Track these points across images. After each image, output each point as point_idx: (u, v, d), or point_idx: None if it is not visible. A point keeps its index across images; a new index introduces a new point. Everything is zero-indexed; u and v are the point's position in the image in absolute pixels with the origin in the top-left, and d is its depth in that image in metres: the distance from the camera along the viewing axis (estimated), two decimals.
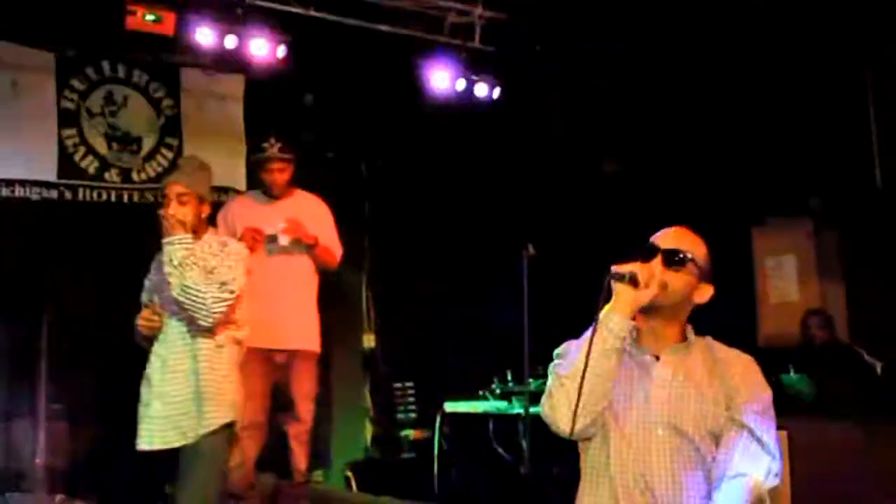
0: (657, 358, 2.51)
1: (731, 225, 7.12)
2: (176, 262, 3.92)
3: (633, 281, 2.39)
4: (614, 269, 2.41)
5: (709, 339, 2.60)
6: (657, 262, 2.47)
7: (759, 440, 2.43)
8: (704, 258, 2.55)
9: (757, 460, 2.41)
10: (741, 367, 2.53)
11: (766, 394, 2.50)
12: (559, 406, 2.39)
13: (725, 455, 2.42)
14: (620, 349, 2.39)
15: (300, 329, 5.38)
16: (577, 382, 2.34)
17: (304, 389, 5.30)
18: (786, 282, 7.03)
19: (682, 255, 2.50)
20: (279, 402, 5.34)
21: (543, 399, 2.46)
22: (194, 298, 3.89)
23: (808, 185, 6.94)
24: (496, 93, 7.18)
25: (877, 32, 6.13)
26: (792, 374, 5.28)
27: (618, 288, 2.40)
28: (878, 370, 5.76)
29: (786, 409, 4.82)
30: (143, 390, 4.08)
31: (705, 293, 2.55)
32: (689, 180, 7.12)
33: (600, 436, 2.47)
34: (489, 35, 6.95)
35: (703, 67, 6.66)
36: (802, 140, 6.66)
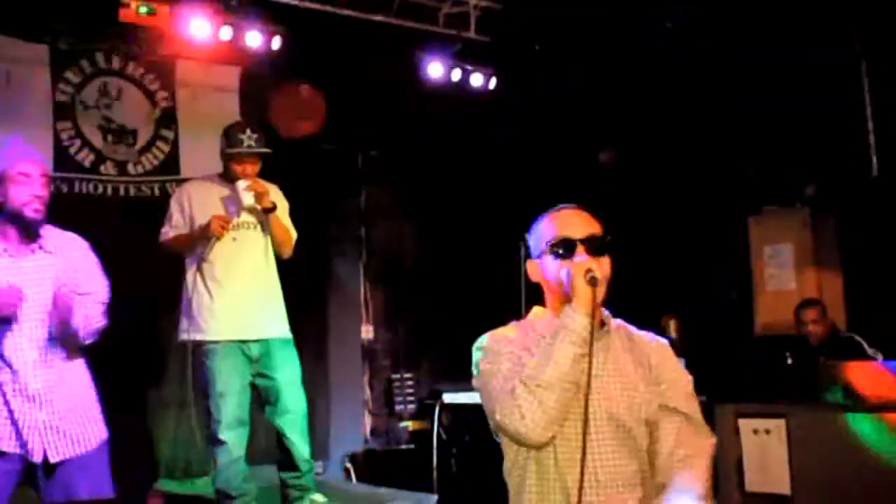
0: None
1: (728, 214, 7.13)
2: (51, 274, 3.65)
3: (593, 281, 2.33)
4: (582, 270, 2.33)
5: (621, 321, 2.56)
6: (583, 252, 2.40)
7: (696, 423, 2.46)
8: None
9: (700, 444, 2.45)
10: (659, 353, 2.52)
11: (687, 377, 2.52)
12: (535, 417, 2.29)
13: (668, 443, 2.43)
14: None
15: (272, 316, 5.25)
16: (551, 392, 2.27)
17: (288, 377, 5.18)
18: (783, 270, 7.03)
19: (603, 239, 2.45)
20: (263, 397, 5.23)
21: (506, 409, 2.33)
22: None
23: (805, 173, 6.95)
24: (492, 83, 7.18)
25: (873, 21, 6.12)
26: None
27: (584, 290, 2.32)
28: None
29: (783, 397, 4.86)
30: (14, 395, 3.62)
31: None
32: (686, 169, 7.12)
33: None
34: (484, 25, 6.94)
35: (698, 57, 6.65)
36: (798, 128, 6.66)
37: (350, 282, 7.81)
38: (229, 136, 5.16)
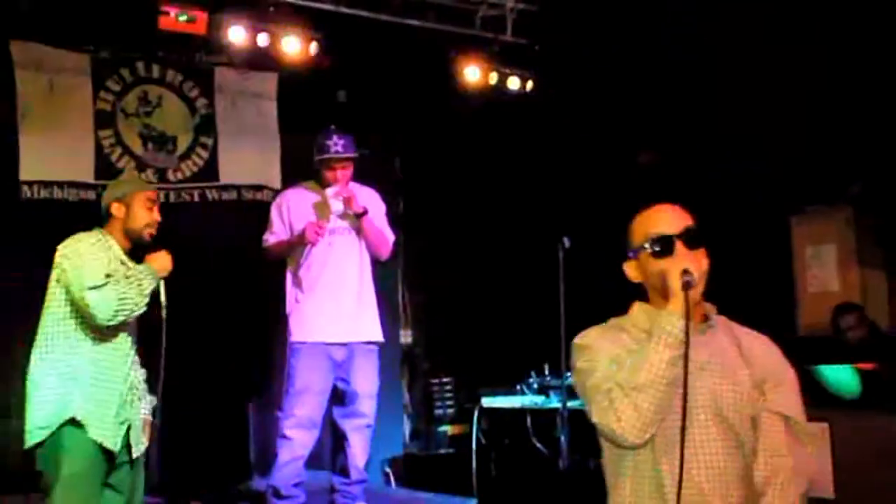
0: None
1: (769, 214, 7.05)
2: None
3: (687, 285, 2.31)
4: (683, 276, 2.31)
5: (724, 317, 2.53)
6: (682, 248, 2.39)
7: (798, 428, 2.40)
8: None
9: (800, 448, 2.39)
10: (763, 348, 2.49)
11: (791, 373, 2.48)
12: (631, 420, 2.28)
13: (768, 444, 2.38)
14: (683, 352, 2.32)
15: (359, 320, 5.32)
16: (645, 394, 2.27)
17: (365, 388, 5.26)
18: (825, 271, 6.95)
19: (697, 231, 2.43)
20: (336, 398, 5.30)
21: (602, 410, 2.33)
22: None
23: (848, 172, 6.85)
24: (529, 86, 7.15)
25: None
26: (832, 367, 5.15)
27: (678, 291, 2.31)
28: None
29: (827, 401, 4.79)
30: (121, 390, 3.84)
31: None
32: (726, 169, 7.05)
33: None
34: (521, 27, 6.93)
35: (737, 57, 6.59)
36: (841, 126, 6.57)
37: (388, 286, 7.82)
38: (318, 143, 5.27)
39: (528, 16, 6.92)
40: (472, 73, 6.98)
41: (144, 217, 3.94)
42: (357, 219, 5.20)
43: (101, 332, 3.77)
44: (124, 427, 3.80)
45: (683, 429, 2.27)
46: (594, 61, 7.03)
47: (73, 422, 3.65)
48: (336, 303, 5.21)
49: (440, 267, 7.85)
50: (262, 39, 6.33)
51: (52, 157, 6.28)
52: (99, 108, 6.48)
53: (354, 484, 5.24)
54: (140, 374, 3.99)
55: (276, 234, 5.34)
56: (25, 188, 6.12)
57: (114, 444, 3.74)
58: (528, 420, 6.25)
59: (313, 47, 6.48)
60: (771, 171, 6.90)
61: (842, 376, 4.83)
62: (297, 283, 5.27)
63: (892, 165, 6.52)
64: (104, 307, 3.67)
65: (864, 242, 6.82)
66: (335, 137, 5.22)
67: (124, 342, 3.87)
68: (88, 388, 3.71)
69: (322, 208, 5.24)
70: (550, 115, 7.42)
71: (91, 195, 6.37)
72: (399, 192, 7.88)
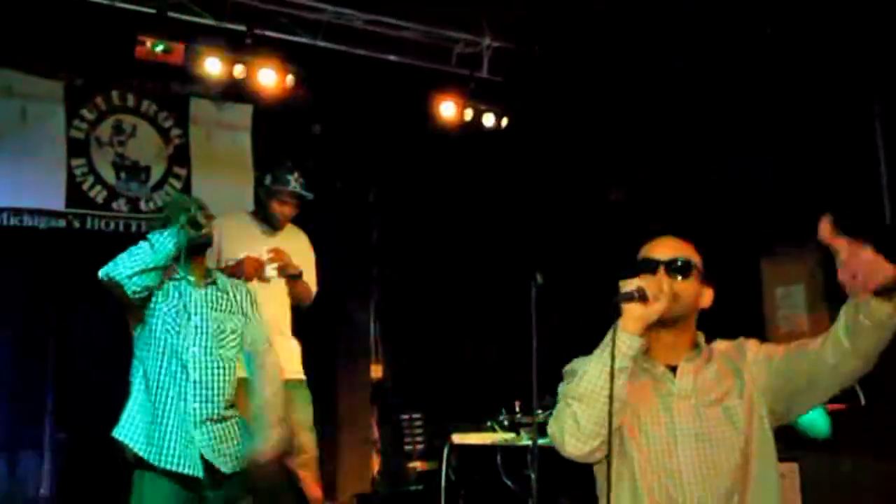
0: (673, 369, 2.48)
1: (740, 254, 7.09)
2: None
3: (641, 297, 2.35)
4: (622, 289, 2.37)
5: (724, 343, 2.61)
6: (662, 273, 2.46)
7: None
8: (701, 261, 2.58)
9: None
10: (741, 351, 2.56)
11: (754, 342, 2.61)
12: (566, 429, 2.33)
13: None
14: (629, 368, 2.35)
15: (286, 356, 5.25)
16: (584, 404, 2.30)
17: (299, 419, 5.19)
18: (795, 312, 6.98)
19: (686, 263, 2.50)
20: None
21: (551, 420, 2.41)
22: None
23: (818, 215, 6.90)
24: (504, 122, 7.19)
25: (885, 63, 6.12)
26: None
27: (627, 306, 2.36)
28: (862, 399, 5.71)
29: (798, 443, 4.80)
30: (177, 404, 3.68)
31: (708, 296, 2.57)
32: (698, 208, 7.09)
33: (619, 455, 2.40)
34: (497, 65, 6.97)
35: (711, 97, 6.66)
36: (811, 169, 6.64)
37: (360, 320, 7.79)
38: (276, 173, 5.20)
39: (503, 53, 6.97)
40: (448, 109, 7.01)
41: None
42: (294, 280, 5.17)
43: (156, 345, 3.68)
44: (197, 443, 3.59)
45: (609, 452, 2.30)
46: (568, 98, 7.08)
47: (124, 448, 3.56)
48: None
49: (413, 301, 7.83)
50: (239, 71, 6.33)
51: (23, 184, 6.24)
52: (72, 136, 6.46)
53: None
54: (216, 381, 3.78)
55: None
56: None
57: (180, 464, 3.53)
58: (499, 457, 6.21)
59: (289, 80, 6.49)
60: (742, 213, 6.95)
61: (813, 418, 4.83)
62: None
63: (859, 212, 6.59)
64: (117, 265, 3.65)
65: (833, 283, 6.85)
66: (297, 174, 5.18)
67: (182, 353, 3.70)
68: (136, 408, 3.62)
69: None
70: (525, 151, 7.46)
71: (61, 223, 6.33)
72: (373, 225, 7.87)
